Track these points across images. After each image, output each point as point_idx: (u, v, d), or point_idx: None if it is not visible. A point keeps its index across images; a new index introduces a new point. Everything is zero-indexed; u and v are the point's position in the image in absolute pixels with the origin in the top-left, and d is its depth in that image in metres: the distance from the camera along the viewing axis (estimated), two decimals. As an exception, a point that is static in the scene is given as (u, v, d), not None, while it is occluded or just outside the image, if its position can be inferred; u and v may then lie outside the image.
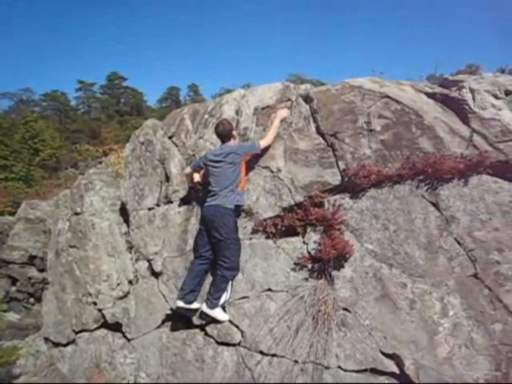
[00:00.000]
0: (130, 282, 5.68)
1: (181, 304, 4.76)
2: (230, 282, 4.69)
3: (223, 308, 4.76)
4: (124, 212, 6.07)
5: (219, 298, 4.65)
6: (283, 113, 4.93)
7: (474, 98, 4.31)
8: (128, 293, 5.65)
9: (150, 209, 5.68)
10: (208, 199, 4.80)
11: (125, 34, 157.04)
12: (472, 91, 4.35)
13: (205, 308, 4.74)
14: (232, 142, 4.89)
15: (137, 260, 5.68)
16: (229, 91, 6.17)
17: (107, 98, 59.56)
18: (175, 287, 5.18)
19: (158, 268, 5.38)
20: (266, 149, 4.88)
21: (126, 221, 6.01)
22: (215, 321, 4.75)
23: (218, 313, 4.70)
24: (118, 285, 5.67)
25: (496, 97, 4.34)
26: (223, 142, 4.91)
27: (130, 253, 5.77)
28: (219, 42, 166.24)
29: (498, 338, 3.74)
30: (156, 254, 5.43)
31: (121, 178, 6.37)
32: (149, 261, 5.51)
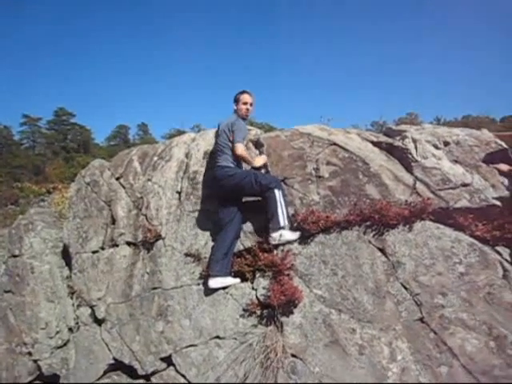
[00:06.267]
0: (71, 330, 5.35)
1: None
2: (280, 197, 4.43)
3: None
4: (66, 255, 5.78)
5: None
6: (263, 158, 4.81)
7: (416, 148, 4.53)
8: (68, 341, 5.31)
9: (94, 252, 5.45)
10: None
11: (74, 71, 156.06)
12: (414, 141, 4.57)
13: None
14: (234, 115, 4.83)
15: (78, 306, 5.38)
16: (178, 131, 6.19)
17: (53, 134, 57.92)
18: (119, 335, 4.94)
19: (101, 315, 5.12)
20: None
21: (69, 264, 5.71)
22: (163, 370, 4.57)
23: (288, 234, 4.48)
24: (57, 333, 5.32)
25: (436, 147, 4.58)
26: None
27: (72, 298, 5.46)
28: (169, 82, 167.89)
29: (445, 380, 3.76)
30: (99, 299, 5.18)
31: (64, 219, 6.12)
32: (91, 307, 5.25)
